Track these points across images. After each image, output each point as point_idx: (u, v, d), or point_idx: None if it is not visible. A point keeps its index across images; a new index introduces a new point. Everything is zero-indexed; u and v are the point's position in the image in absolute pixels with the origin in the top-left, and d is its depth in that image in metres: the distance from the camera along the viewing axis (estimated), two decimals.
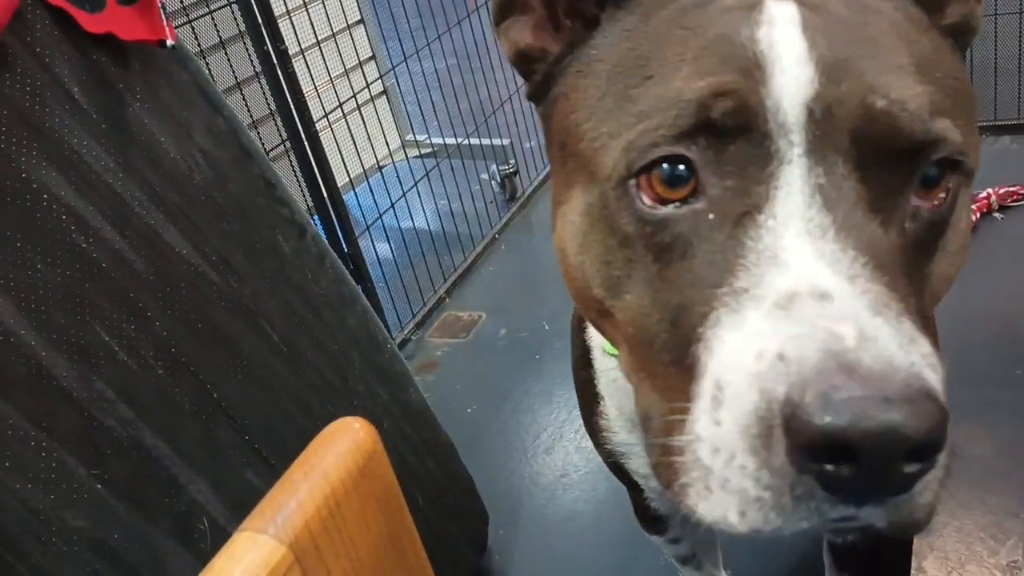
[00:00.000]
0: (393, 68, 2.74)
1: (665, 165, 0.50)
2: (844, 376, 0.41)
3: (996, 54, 2.53)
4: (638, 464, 0.93)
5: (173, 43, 1.18)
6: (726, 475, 0.44)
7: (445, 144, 2.96)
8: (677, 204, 0.51)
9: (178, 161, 1.19)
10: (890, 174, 0.50)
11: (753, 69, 0.49)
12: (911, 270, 0.51)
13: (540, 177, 3.21)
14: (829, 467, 0.41)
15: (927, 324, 0.51)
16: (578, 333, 0.91)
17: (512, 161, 3.08)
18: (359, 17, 2.78)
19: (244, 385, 1.17)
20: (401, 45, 2.56)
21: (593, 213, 0.55)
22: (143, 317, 1.06)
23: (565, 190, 0.59)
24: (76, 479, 0.93)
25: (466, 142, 2.90)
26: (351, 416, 1.32)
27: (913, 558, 1.48)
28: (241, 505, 1.10)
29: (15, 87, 0.98)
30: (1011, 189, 2.28)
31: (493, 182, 3.15)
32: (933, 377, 0.43)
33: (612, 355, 0.81)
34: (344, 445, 0.59)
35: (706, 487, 0.46)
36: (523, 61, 0.66)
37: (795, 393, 0.41)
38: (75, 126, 1.06)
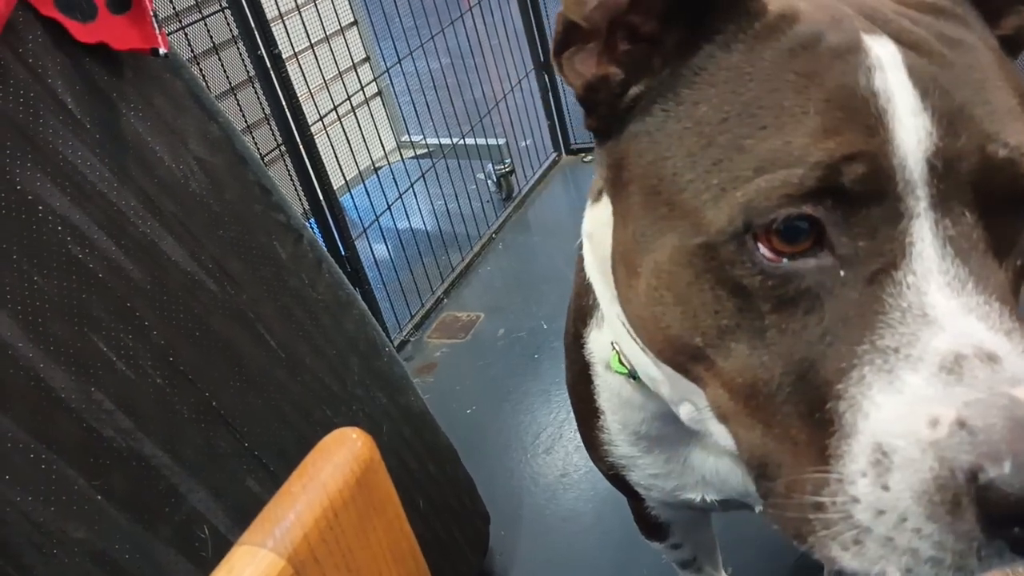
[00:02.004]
0: (387, 70, 2.74)
1: (788, 222, 0.49)
2: None
3: None
4: (640, 476, 0.93)
5: (166, 52, 1.18)
6: (892, 535, 0.45)
7: (440, 144, 2.97)
8: (800, 257, 0.50)
9: (173, 169, 1.19)
10: (1010, 217, 0.50)
11: (878, 126, 0.49)
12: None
13: (536, 176, 3.21)
14: (1019, 531, 0.42)
15: None
16: (575, 349, 0.91)
17: (508, 160, 3.08)
18: (352, 19, 2.78)
19: (243, 392, 1.18)
20: (395, 46, 2.56)
21: (697, 264, 0.53)
22: (141, 327, 1.06)
23: (650, 239, 0.57)
24: (76, 490, 0.93)
25: (461, 142, 2.90)
26: (349, 425, 1.33)
27: None
28: (242, 513, 1.11)
29: (8, 99, 0.98)
30: None
31: (489, 181, 3.15)
32: None
33: (619, 372, 0.81)
34: (342, 456, 0.59)
35: (857, 542, 0.47)
36: (591, 93, 0.61)
37: (987, 463, 0.42)
38: (69, 136, 1.07)
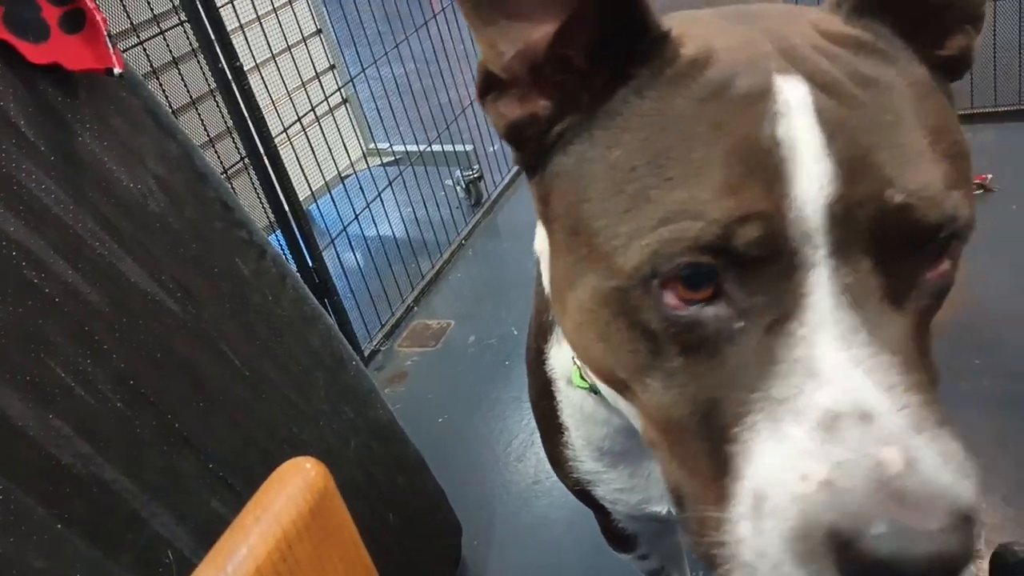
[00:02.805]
0: (352, 79, 2.73)
1: (689, 271, 0.50)
2: (893, 506, 0.43)
3: None
4: (605, 491, 0.93)
5: (121, 71, 1.17)
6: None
7: (407, 152, 2.96)
8: (702, 304, 0.51)
9: (131, 189, 1.18)
10: (908, 260, 0.51)
11: (776, 180, 0.49)
12: (923, 338, 0.53)
13: (505, 181, 3.21)
14: None
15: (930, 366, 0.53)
16: (537, 365, 0.91)
17: (476, 166, 3.09)
18: (315, 28, 2.77)
19: (206, 413, 1.17)
20: (358, 54, 2.55)
21: (612, 305, 0.55)
22: (100, 350, 1.05)
23: (574, 275, 0.58)
24: (35, 519, 0.92)
25: (429, 149, 2.90)
26: (316, 440, 1.32)
27: None
28: (207, 535, 1.10)
29: None
30: None
31: (458, 187, 3.15)
32: (970, 490, 0.45)
33: (580, 387, 0.82)
34: (295, 486, 0.59)
35: None
36: (516, 131, 0.61)
37: (844, 523, 0.44)
38: (23, 160, 1.05)
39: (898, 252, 0.50)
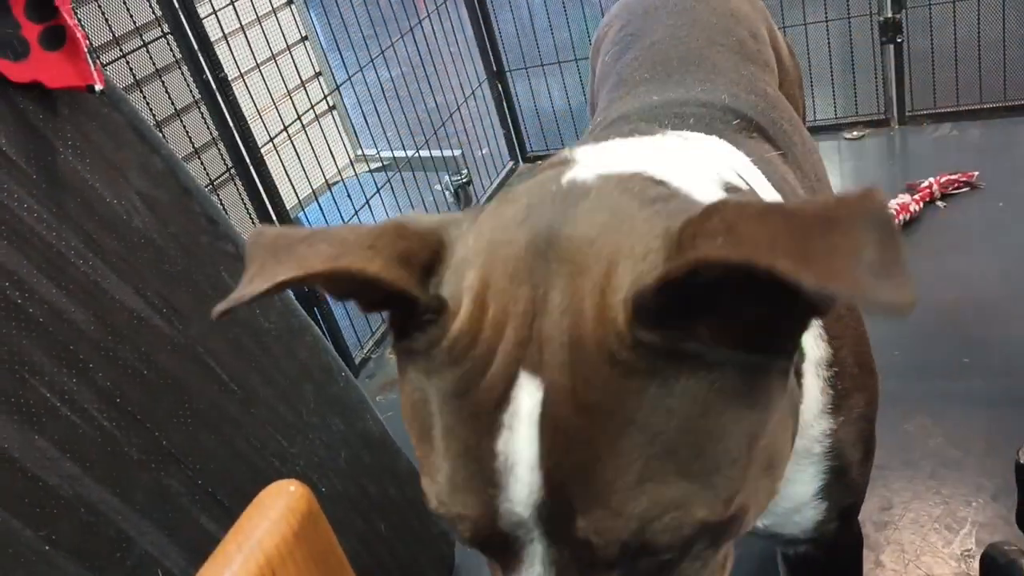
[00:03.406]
0: (338, 87, 2.72)
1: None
2: None
3: (932, 43, 2.59)
4: None
5: (102, 87, 1.16)
6: None
7: (395, 158, 2.96)
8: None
9: (115, 206, 1.18)
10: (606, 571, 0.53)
11: (489, 486, 0.52)
12: None
13: (494, 185, 3.21)
14: None
15: None
16: None
17: (465, 171, 3.08)
18: (300, 35, 2.76)
19: (194, 429, 1.16)
20: (343, 60, 2.54)
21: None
22: (85, 369, 1.05)
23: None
24: (22, 542, 0.92)
25: (417, 154, 2.90)
26: (305, 454, 1.32)
27: (870, 551, 1.51)
28: (197, 552, 1.10)
29: None
30: (952, 177, 2.32)
31: (447, 192, 3.14)
32: None
33: None
34: (278, 511, 0.59)
35: None
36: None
37: None
38: (4, 179, 1.05)
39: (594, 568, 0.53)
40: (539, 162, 3.28)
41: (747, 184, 0.77)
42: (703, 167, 0.73)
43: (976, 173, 2.34)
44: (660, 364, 0.49)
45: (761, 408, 0.53)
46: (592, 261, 0.52)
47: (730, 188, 0.72)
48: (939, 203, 2.31)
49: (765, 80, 1.21)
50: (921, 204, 2.28)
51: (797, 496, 0.83)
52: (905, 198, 2.27)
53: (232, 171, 2.07)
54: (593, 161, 0.65)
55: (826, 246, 0.40)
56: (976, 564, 1.39)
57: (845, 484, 0.85)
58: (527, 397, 0.50)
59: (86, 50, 1.16)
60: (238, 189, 2.11)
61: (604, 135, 0.95)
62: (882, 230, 0.40)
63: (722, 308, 0.49)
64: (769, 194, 0.83)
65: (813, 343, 0.77)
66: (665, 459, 0.50)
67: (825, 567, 0.97)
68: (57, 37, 1.14)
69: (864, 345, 0.85)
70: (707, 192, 0.65)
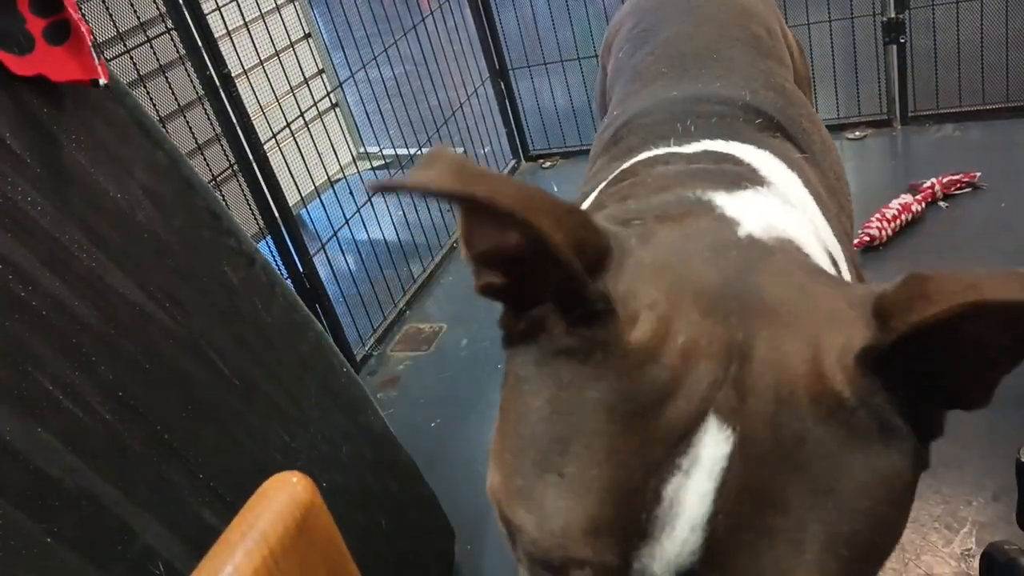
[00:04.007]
0: (341, 84, 2.73)
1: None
2: None
3: (935, 44, 2.58)
4: None
5: (106, 82, 1.17)
6: None
7: (398, 155, 2.96)
8: None
9: (119, 200, 1.18)
10: None
11: (637, 533, 0.46)
12: None
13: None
14: None
15: None
16: None
17: None
18: (304, 32, 2.76)
19: (196, 423, 1.17)
20: (346, 57, 2.55)
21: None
22: (88, 362, 1.05)
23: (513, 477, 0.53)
24: (24, 534, 0.92)
25: (420, 152, 2.90)
26: (307, 449, 1.32)
27: None
28: (198, 546, 1.10)
29: None
30: (955, 177, 2.33)
31: None
32: None
33: None
34: (281, 502, 0.59)
35: None
36: (489, 293, 0.57)
37: None
38: (8, 172, 1.05)
39: None
40: (541, 160, 3.29)
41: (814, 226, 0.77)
42: (808, 228, 0.72)
43: (978, 173, 2.34)
44: (868, 433, 0.46)
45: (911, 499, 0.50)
46: (797, 321, 0.49)
47: (825, 249, 0.74)
48: (941, 203, 2.31)
49: (782, 75, 1.20)
50: (923, 204, 2.28)
51: None
52: (907, 198, 2.28)
53: (235, 167, 2.07)
54: (750, 216, 0.63)
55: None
56: (976, 564, 1.39)
57: None
58: (713, 444, 0.45)
59: (90, 44, 1.16)
60: (240, 186, 2.11)
61: (639, 142, 0.95)
62: None
63: (917, 384, 0.47)
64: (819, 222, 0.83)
65: None
66: (849, 542, 0.45)
67: None
68: (62, 31, 1.14)
69: None
70: (821, 256, 0.68)
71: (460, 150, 3.05)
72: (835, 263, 0.76)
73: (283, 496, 0.60)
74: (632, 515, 0.45)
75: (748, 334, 0.48)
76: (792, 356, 0.47)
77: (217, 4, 2.08)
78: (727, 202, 0.68)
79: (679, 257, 0.54)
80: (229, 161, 2.07)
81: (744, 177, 0.77)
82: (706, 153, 0.86)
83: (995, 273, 0.43)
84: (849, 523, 0.45)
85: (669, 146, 0.92)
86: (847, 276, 0.80)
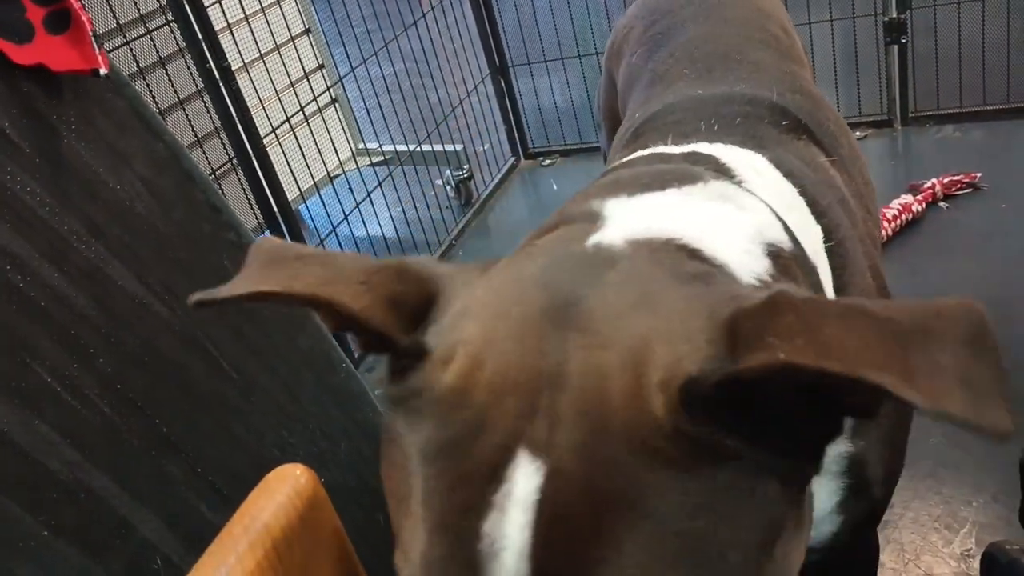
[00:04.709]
0: (341, 79, 2.72)
1: None
2: None
3: (936, 44, 2.58)
4: None
5: (106, 72, 1.16)
6: None
7: (396, 152, 2.95)
8: None
9: (118, 191, 1.17)
10: None
11: (466, 574, 0.46)
12: None
13: (495, 181, 3.21)
14: None
15: None
16: None
17: (466, 166, 3.08)
18: (304, 27, 2.75)
19: (194, 416, 1.16)
20: (347, 53, 2.54)
21: None
22: (86, 355, 1.04)
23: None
24: (22, 527, 0.91)
25: (419, 148, 2.89)
26: (305, 444, 1.31)
27: None
28: (196, 540, 1.09)
29: None
30: (955, 178, 2.32)
31: (448, 187, 3.14)
32: None
33: None
34: (284, 494, 0.58)
35: None
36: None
37: None
38: (7, 162, 1.04)
39: None
40: (540, 158, 3.29)
41: (791, 240, 0.70)
42: (746, 228, 0.66)
43: (979, 174, 2.34)
44: (693, 460, 0.44)
45: (780, 520, 0.47)
46: (621, 338, 0.46)
47: (774, 253, 0.65)
48: (942, 204, 2.31)
49: (806, 78, 1.17)
50: (924, 205, 2.28)
51: (815, 511, 0.79)
52: (908, 199, 2.27)
53: (234, 161, 2.07)
54: (623, 221, 0.60)
55: (929, 364, 0.37)
56: (976, 564, 1.39)
57: (865, 500, 0.81)
58: (524, 479, 0.45)
59: (91, 34, 1.15)
60: (240, 180, 2.11)
61: (643, 144, 0.91)
62: (986, 351, 0.38)
63: (767, 408, 0.45)
64: (814, 238, 0.76)
65: None
66: (673, 567, 0.44)
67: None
68: (62, 20, 1.13)
69: None
70: (749, 264, 0.61)
71: (459, 147, 3.04)
72: (799, 270, 0.68)
73: (286, 489, 0.59)
74: (464, 555, 0.45)
75: (563, 359, 0.46)
76: (609, 379, 0.45)
77: None
78: (615, 208, 0.64)
79: (506, 282, 0.53)
80: (228, 155, 2.06)
81: (682, 177, 0.72)
82: (693, 154, 0.82)
83: (866, 334, 0.39)
84: (672, 547, 0.43)
85: (667, 144, 0.89)
86: (828, 285, 0.73)
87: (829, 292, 0.73)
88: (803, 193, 0.79)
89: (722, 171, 0.76)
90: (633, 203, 0.66)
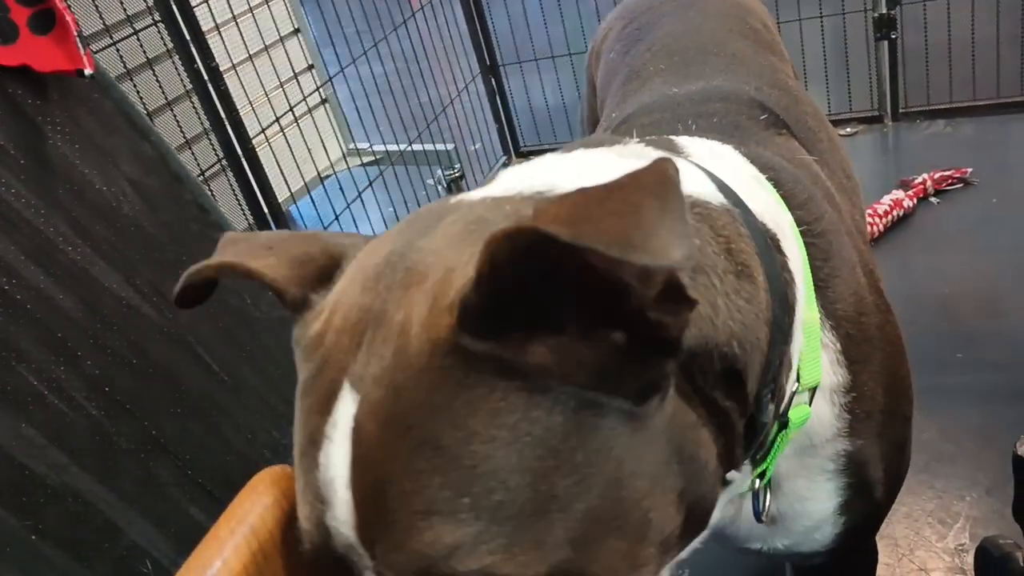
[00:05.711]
0: (331, 79, 2.71)
1: None
2: None
3: (926, 40, 2.58)
4: None
5: (92, 72, 1.15)
6: None
7: (388, 151, 2.94)
8: None
9: (104, 192, 1.16)
10: None
11: (318, 500, 0.49)
12: None
13: (487, 180, 3.20)
14: None
15: None
16: None
17: (457, 165, 3.07)
18: (293, 27, 2.74)
19: (184, 418, 1.15)
20: (336, 53, 2.53)
21: None
22: (73, 357, 1.04)
23: None
24: (8, 531, 0.90)
25: (410, 148, 2.88)
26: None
27: None
28: (186, 543, 1.08)
29: None
30: (946, 173, 2.32)
31: (440, 187, 3.13)
32: None
33: None
34: (271, 496, 0.57)
35: None
36: None
37: None
38: None
39: None
40: (531, 157, 3.27)
41: (732, 202, 0.65)
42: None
43: (970, 169, 2.34)
44: (479, 379, 0.44)
45: (600, 456, 0.46)
46: (432, 273, 0.49)
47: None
48: (933, 199, 2.31)
49: (785, 72, 1.16)
50: (915, 200, 2.28)
51: (816, 513, 0.77)
52: (899, 194, 2.27)
53: (223, 163, 2.05)
54: (504, 181, 0.61)
55: (603, 211, 0.38)
56: (970, 558, 1.39)
57: (867, 501, 0.78)
58: (344, 409, 0.48)
59: (76, 34, 1.14)
60: (229, 181, 2.09)
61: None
62: (661, 193, 0.38)
63: (568, 329, 0.44)
64: (783, 223, 0.71)
65: (829, 367, 0.71)
66: (462, 491, 0.44)
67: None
68: (47, 21, 1.13)
69: (895, 368, 0.77)
70: None
71: (451, 146, 3.03)
72: (737, 225, 0.63)
73: (273, 490, 0.59)
74: (312, 483, 0.49)
75: (387, 299, 0.49)
76: (414, 311, 0.47)
77: None
78: (509, 172, 0.64)
79: (376, 242, 0.57)
80: (218, 156, 2.05)
81: (601, 143, 0.72)
82: (653, 139, 0.78)
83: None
84: (456, 471, 0.44)
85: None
86: (800, 273, 0.69)
87: (806, 280, 0.71)
88: (777, 183, 0.76)
89: (668, 147, 0.74)
90: (528, 166, 0.67)
